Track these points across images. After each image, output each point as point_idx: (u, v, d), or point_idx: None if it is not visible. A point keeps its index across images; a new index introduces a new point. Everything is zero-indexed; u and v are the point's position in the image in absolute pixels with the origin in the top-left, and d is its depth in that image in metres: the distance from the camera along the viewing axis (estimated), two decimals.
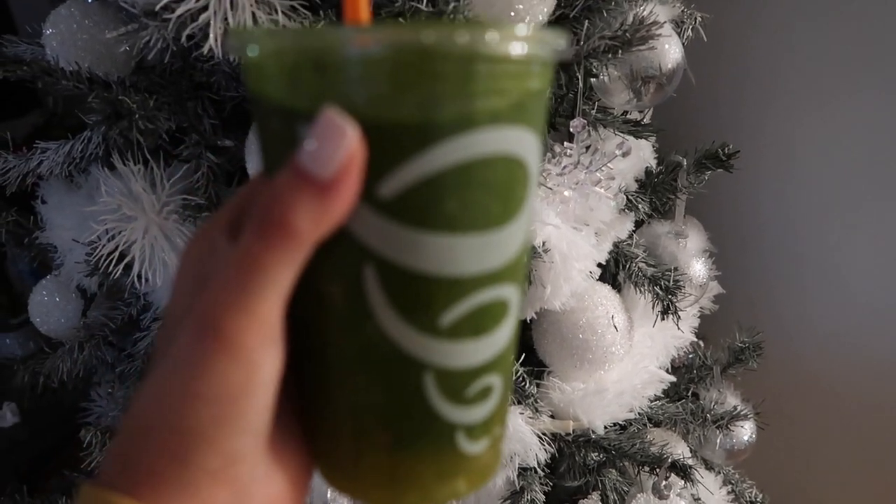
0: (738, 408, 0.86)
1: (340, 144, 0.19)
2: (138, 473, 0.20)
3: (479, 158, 0.20)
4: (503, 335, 0.24)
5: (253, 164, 0.59)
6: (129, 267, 0.65)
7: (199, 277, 0.22)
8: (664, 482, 0.74)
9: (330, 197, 0.19)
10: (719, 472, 0.95)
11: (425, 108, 0.19)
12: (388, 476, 0.24)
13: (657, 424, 0.86)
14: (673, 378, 0.83)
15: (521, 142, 0.21)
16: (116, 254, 0.64)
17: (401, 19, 0.54)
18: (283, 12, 0.52)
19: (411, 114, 0.19)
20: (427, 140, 0.20)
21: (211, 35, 0.50)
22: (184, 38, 0.50)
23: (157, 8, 0.49)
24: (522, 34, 0.20)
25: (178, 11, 0.49)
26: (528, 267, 0.24)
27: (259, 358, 0.20)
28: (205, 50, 0.50)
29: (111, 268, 0.64)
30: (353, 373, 0.23)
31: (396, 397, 0.23)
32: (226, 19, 0.50)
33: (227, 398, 0.20)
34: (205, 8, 0.49)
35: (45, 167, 0.71)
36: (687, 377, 0.91)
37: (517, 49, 0.20)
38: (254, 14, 0.50)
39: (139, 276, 0.65)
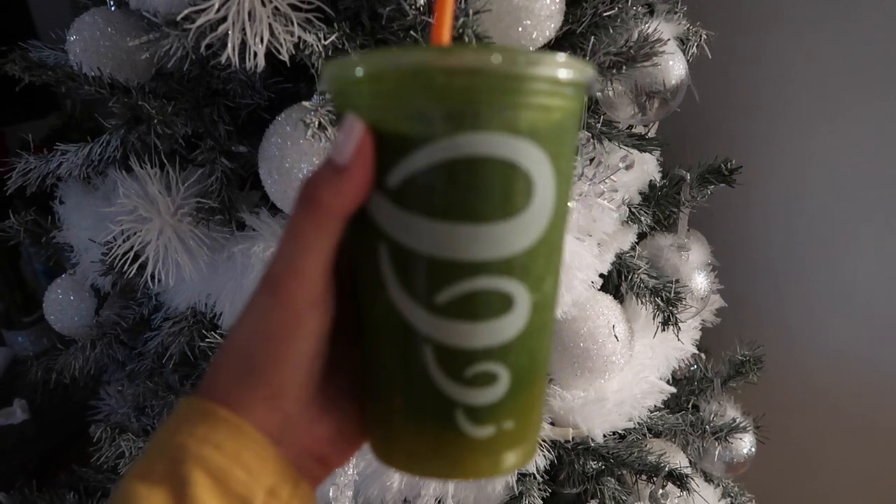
0: (738, 420, 0.87)
1: (352, 137, 0.25)
2: (216, 391, 0.26)
3: (463, 157, 0.24)
4: (506, 327, 0.26)
5: (265, 170, 0.61)
6: (142, 267, 0.66)
7: None
8: (661, 491, 0.75)
9: (345, 176, 0.25)
10: (718, 485, 0.95)
11: (414, 118, 0.24)
12: (404, 443, 0.27)
13: (657, 435, 0.87)
14: (673, 389, 0.84)
15: (518, 151, 0.24)
16: (131, 254, 0.66)
17: (412, 33, 0.56)
18: (299, 24, 0.54)
19: (407, 121, 0.24)
20: (419, 142, 0.24)
21: (229, 45, 0.52)
22: (202, 48, 0.53)
23: (178, 18, 0.51)
24: (514, 60, 0.23)
25: (198, 22, 0.51)
26: (546, 273, 0.27)
27: (304, 311, 0.26)
28: (223, 59, 0.52)
29: (125, 267, 0.66)
30: (376, 338, 0.27)
31: (404, 363, 0.26)
32: (243, 30, 0.52)
33: (278, 338, 0.26)
34: (224, 19, 0.51)
35: (64, 169, 0.73)
36: (688, 389, 0.92)
37: (514, 70, 0.23)
38: (270, 26, 0.52)
39: (152, 277, 0.67)
